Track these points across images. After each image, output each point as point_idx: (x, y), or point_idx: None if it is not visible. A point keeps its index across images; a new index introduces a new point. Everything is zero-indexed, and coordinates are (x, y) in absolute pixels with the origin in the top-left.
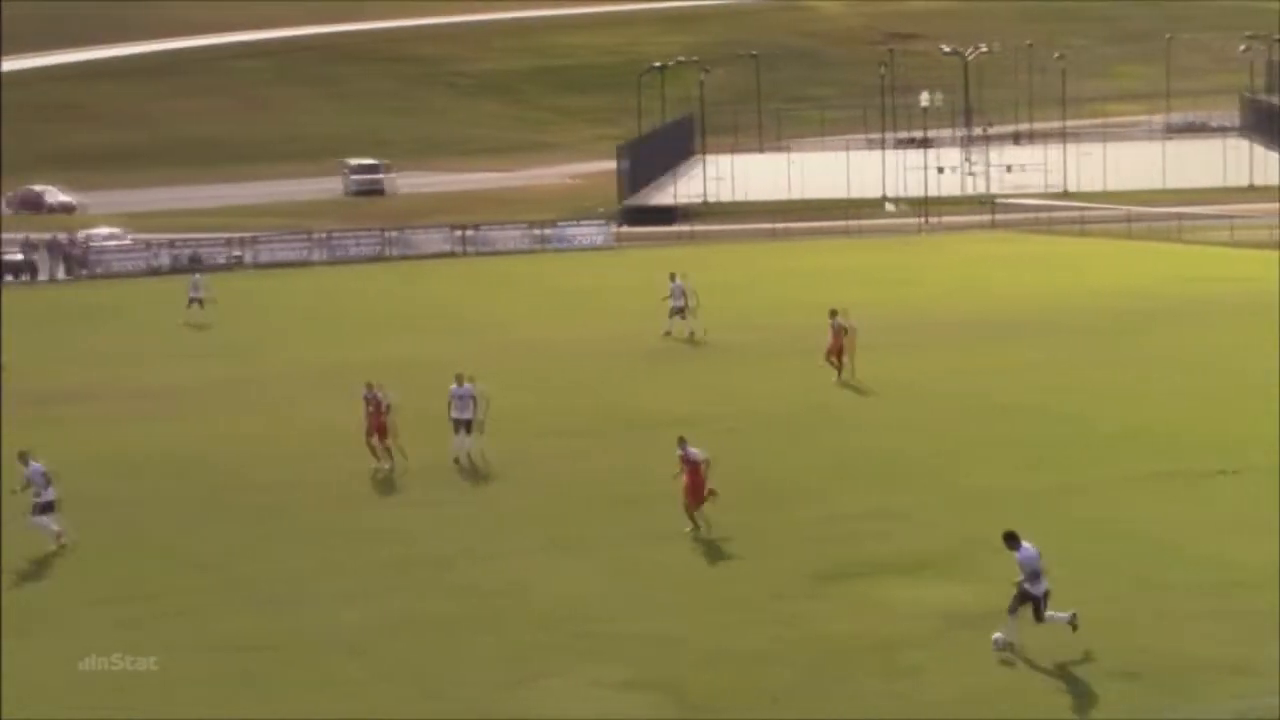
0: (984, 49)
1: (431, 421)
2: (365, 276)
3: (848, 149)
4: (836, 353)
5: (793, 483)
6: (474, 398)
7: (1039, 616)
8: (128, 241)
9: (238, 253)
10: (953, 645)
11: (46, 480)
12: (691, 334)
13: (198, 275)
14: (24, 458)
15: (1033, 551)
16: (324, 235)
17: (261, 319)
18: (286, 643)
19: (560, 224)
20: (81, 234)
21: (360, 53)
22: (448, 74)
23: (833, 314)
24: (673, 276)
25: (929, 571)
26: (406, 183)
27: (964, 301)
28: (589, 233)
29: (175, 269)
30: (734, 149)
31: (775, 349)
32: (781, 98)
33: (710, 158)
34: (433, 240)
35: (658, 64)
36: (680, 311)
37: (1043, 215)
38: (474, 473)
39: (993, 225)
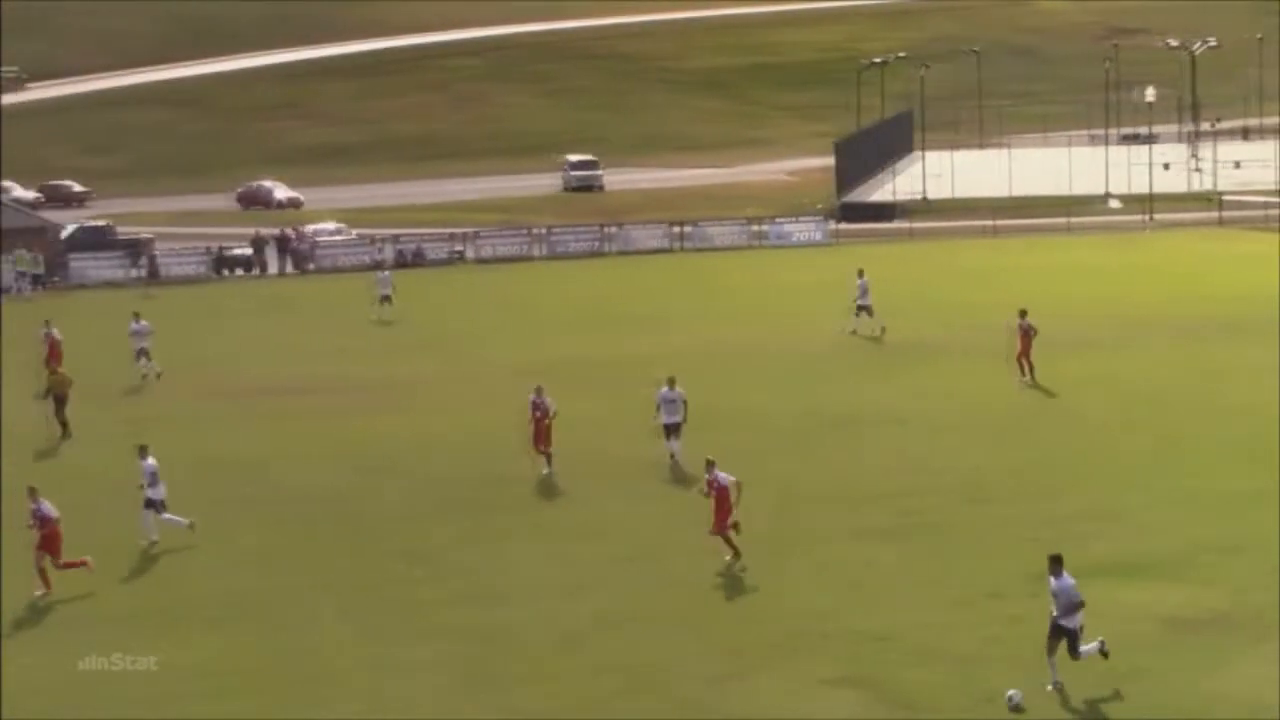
0: (1211, 43)
1: (641, 416)
2: (583, 272)
3: (1069, 145)
4: (1025, 354)
5: (1010, 480)
6: (683, 401)
7: (1074, 653)
8: (352, 237)
9: (459, 248)
10: (1177, 650)
11: (155, 478)
12: (883, 330)
13: (385, 273)
14: (142, 452)
15: (1070, 582)
16: (543, 231)
17: (481, 313)
18: (503, 635)
19: (777, 220)
20: (307, 229)
21: (572, 50)
22: (662, 70)
23: (1022, 314)
24: (860, 273)
25: (1151, 573)
26: (622, 179)
27: (1189, 300)
28: (806, 229)
29: (399, 264)
30: (953, 145)
31: (991, 347)
32: (1001, 94)
33: (929, 154)
34: (650, 236)
35: (877, 59)
36: (866, 309)
37: (1273, 212)
38: (685, 471)
39: (1220, 223)
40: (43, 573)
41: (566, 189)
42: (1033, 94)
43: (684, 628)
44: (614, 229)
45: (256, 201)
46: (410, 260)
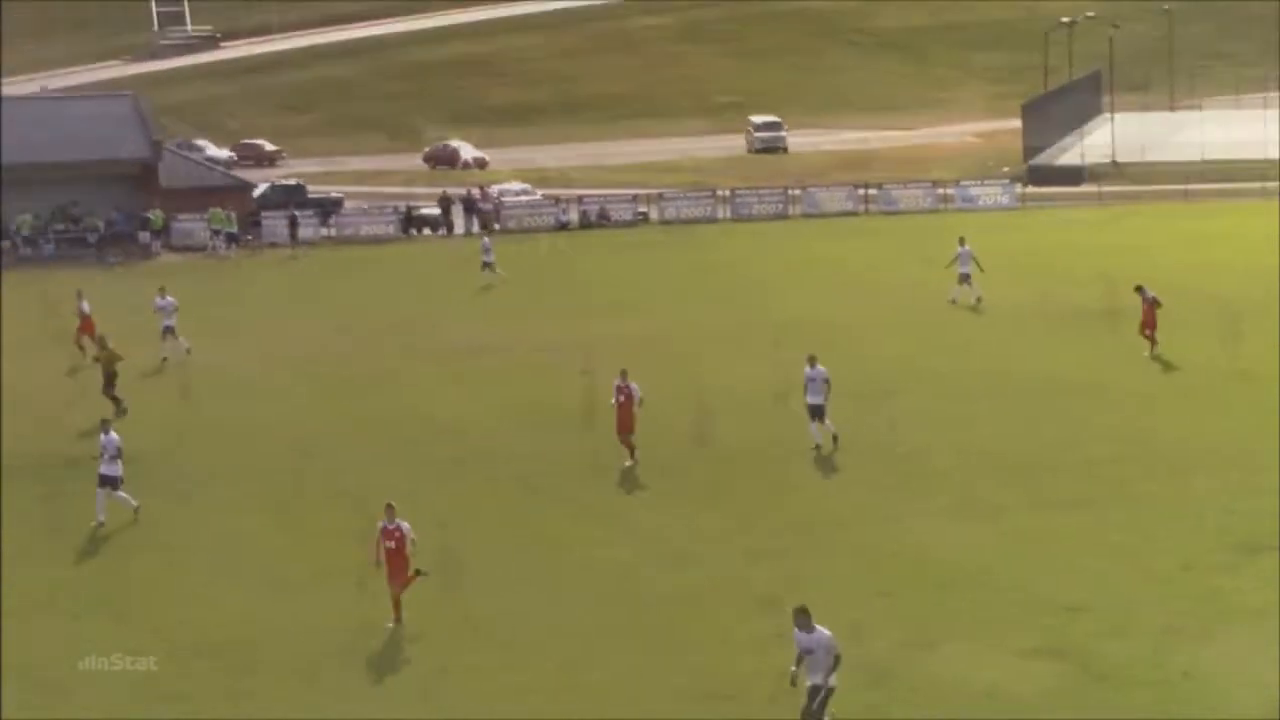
0: None
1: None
2: (767, 234)
3: (1264, 107)
4: (1150, 326)
5: (1207, 451)
6: (825, 380)
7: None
8: (537, 197)
9: (643, 209)
10: None
11: (116, 454)
12: (978, 300)
13: (486, 239)
14: (105, 426)
15: (826, 634)
16: (728, 193)
17: (666, 275)
18: (695, 597)
19: (964, 184)
20: (494, 189)
21: (761, 10)
22: (850, 31)
23: (1138, 289)
24: (961, 241)
25: None
26: (807, 140)
27: None
28: (993, 193)
29: (584, 225)
30: (1144, 107)
31: (1183, 316)
32: (1194, 54)
33: (1119, 116)
34: (835, 198)
35: (1065, 19)
36: (966, 278)
37: None
38: (866, 440)
39: None
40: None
41: (751, 151)
42: (1227, 55)
43: (873, 594)
44: (798, 191)
45: (443, 161)
46: (595, 221)
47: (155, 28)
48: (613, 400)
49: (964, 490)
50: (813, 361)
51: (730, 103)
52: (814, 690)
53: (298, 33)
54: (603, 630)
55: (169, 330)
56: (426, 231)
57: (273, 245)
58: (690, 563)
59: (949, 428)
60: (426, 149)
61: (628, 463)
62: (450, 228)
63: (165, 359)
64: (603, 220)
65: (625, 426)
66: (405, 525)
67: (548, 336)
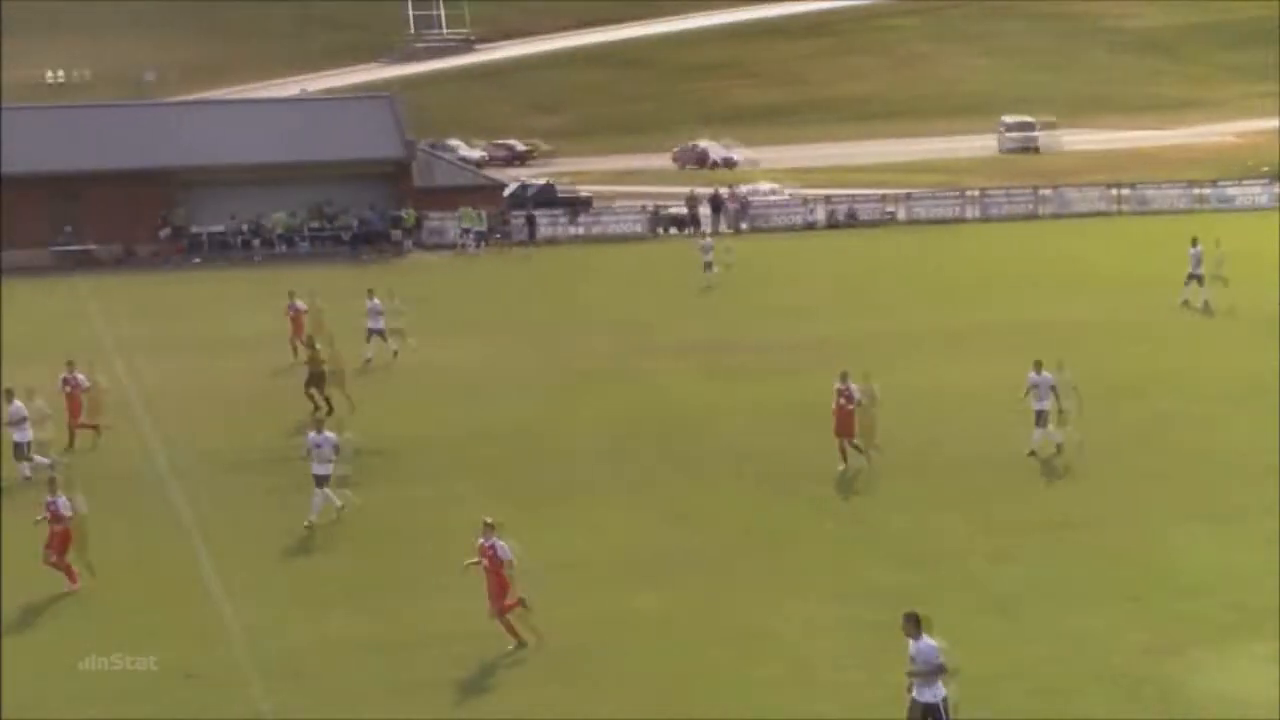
0: None
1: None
2: (1015, 234)
3: None
4: None
5: None
6: (1053, 387)
7: None
8: (785, 197)
9: (891, 209)
10: None
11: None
12: (1205, 303)
13: (708, 240)
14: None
15: (931, 644)
16: (976, 193)
17: (910, 274)
18: (927, 597)
19: (1220, 184)
20: (742, 189)
21: (1014, 10)
22: (1105, 30)
23: None
24: (1194, 242)
25: None
26: (1060, 140)
27: None
28: (1252, 193)
29: (831, 225)
30: None
31: None
32: None
33: None
34: (1087, 199)
35: None
36: (1198, 279)
37: None
38: (1106, 442)
39: None
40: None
41: (1002, 151)
42: None
43: (1116, 598)
44: (1049, 191)
45: (692, 161)
46: (842, 221)
47: (410, 30)
48: (833, 403)
49: (1208, 493)
50: (1039, 367)
51: (980, 104)
52: (912, 704)
53: (550, 35)
54: (835, 626)
55: (377, 333)
56: (674, 230)
57: (521, 244)
58: (928, 562)
59: (1191, 429)
60: (676, 149)
61: (840, 466)
62: (697, 226)
63: (369, 360)
64: (850, 220)
65: (844, 429)
66: (501, 545)
67: (797, 335)
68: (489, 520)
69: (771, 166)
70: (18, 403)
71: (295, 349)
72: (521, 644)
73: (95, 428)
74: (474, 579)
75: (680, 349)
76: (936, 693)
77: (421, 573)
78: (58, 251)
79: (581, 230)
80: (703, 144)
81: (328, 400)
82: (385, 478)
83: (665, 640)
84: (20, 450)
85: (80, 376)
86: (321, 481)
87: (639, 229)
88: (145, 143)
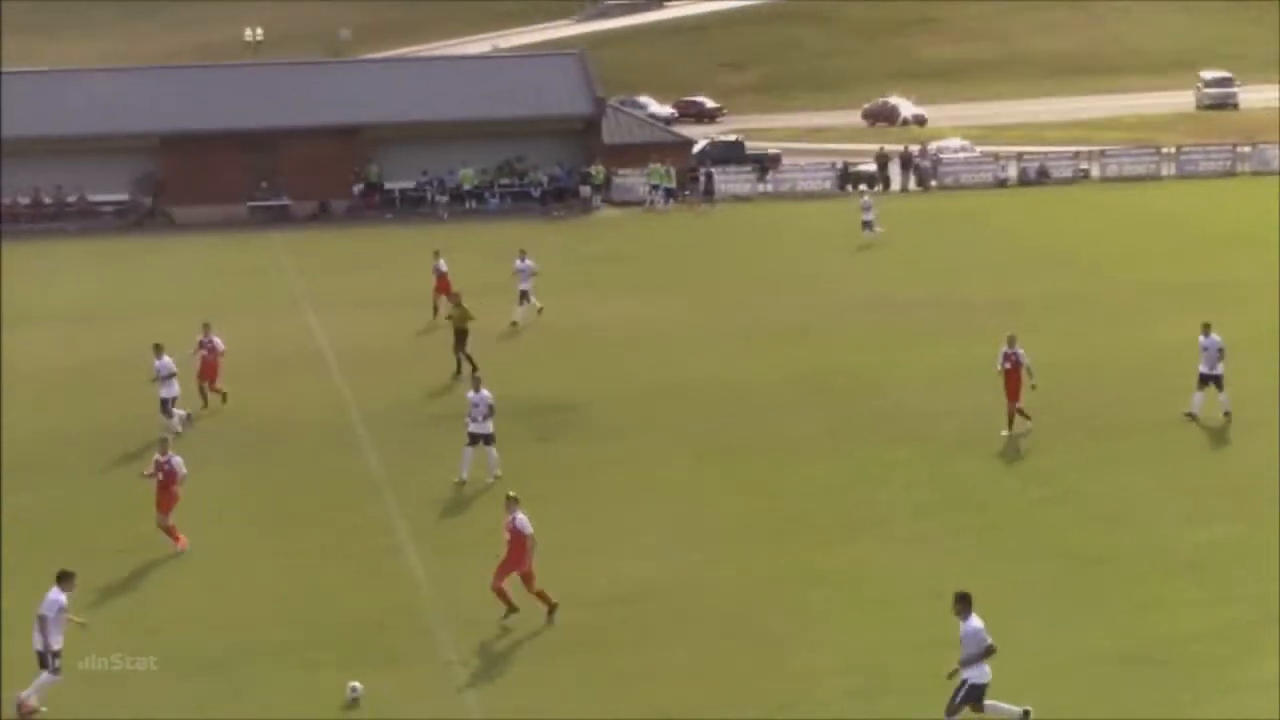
0: None
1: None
2: (1212, 192)
3: None
4: None
5: None
6: (1220, 350)
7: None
8: (976, 154)
9: (1084, 166)
10: None
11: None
12: None
13: (867, 199)
14: (475, 384)
15: (978, 625)
16: (1172, 149)
17: (1108, 232)
18: (1124, 558)
19: None
20: (932, 146)
21: None
22: None
23: None
24: None
25: None
26: (1261, 97)
27: None
28: None
29: (1023, 182)
30: None
31: None
32: None
33: None
34: None
35: None
36: None
37: None
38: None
39: None
40: None
41: (1200, 107)
42: None
43: None
44: (1248, 148)
45: (882, 118)
46: (1034, 178)
47: None
48: (998, 366)
49: None
50: (1207, 330)
51: (1178, 59)
52: (963, 685)
53: None
54: (1026, 586)
55: (525, 295)
56: (863, 188)
57: (709, 200)
58: (1120, 524)
59: None
60: (866, 106)
61: (1004, 432)
62: (887, 184)
63: (515, 323)
64: (1042, 177)
65: (1012, 394)
66: (521, 519)
67: (977, 293)
68: (512, 494)
69: (962, 123)
70: (166, 358)
71: (436, 309)
72: (513, 609)
73: (223, 394)
74: (657, 538)
75: (866, 305)
76: (984, 673)
77: (606, 530)
78: (255, 207)
79: (770, 187)
80: (893, 100)
81: (469, 358)
82: (573, 433)
83: (856, 597)
84: (166, 406)
85: (216, 339)
86: (475, 439)
87: (827, 186)
88: (340, 100)
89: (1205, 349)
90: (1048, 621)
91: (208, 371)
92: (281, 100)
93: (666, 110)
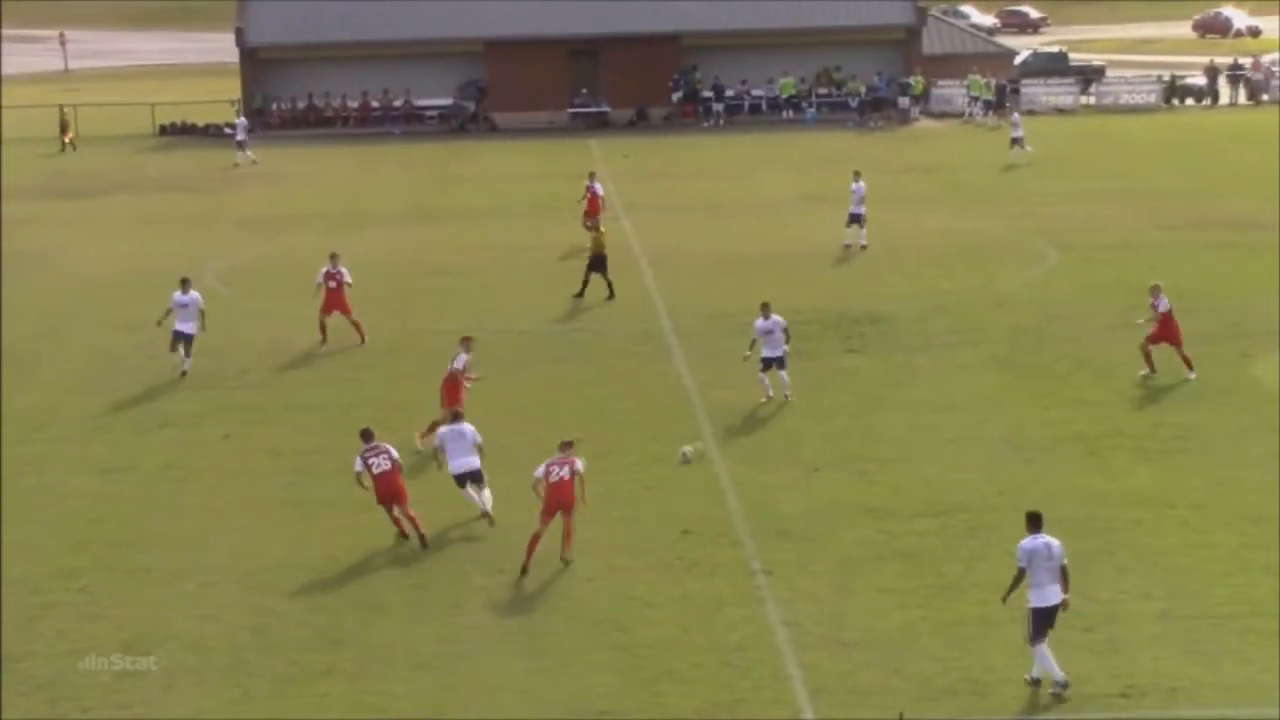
0: None
1: None
2: None
3: None
4: None
5: None
6: None
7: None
8: None
9: None
10: None
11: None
12: None
13: (1015, 115)
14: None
15: (1049, 543)
16: None
17: None
18: None
19: None
20: (1265, 59)
21: None
22: None
23: None
24: None
25: None
26: None
27: None
28: None
29: None
30: None
31: None
32: None
33: None
34: None
35: None
36: None
37: None
38: None
39: None
40: None
41: None
42: None
43: None
44: None
45: (1213, 29)
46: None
47: None
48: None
49: None
50: None
51: None
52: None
53: None
54: (1187, 525)
55: (857, 218)
56: (1190, 102)
57: (1031, 113)
58: None
59: None
60: (1196, 17)
61: (1141, 371)
62: (1215, 98)
63: (848, 246)
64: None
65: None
66: (578, 463)
67: None
68: (565, 440)
69: None
70: (194, 291)
71: (588, 230)
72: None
73: (359, 328)
74: (965, 449)
75: (1192, 223)
76: (1055, 596)
77: (916, 440)
78: (575, 113)
79: (1093, 100)
80: (1226, 11)
81: (610, 285)
82: (885, 345)
83: (1166, 518)
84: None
85: (343, 270)
86: (768, 364)
87: (1152, 100)
88: (660, 7)
89: None
90: (1204, 561)
91: (332, 303)
92: (603, 7)
93: (989, 20)
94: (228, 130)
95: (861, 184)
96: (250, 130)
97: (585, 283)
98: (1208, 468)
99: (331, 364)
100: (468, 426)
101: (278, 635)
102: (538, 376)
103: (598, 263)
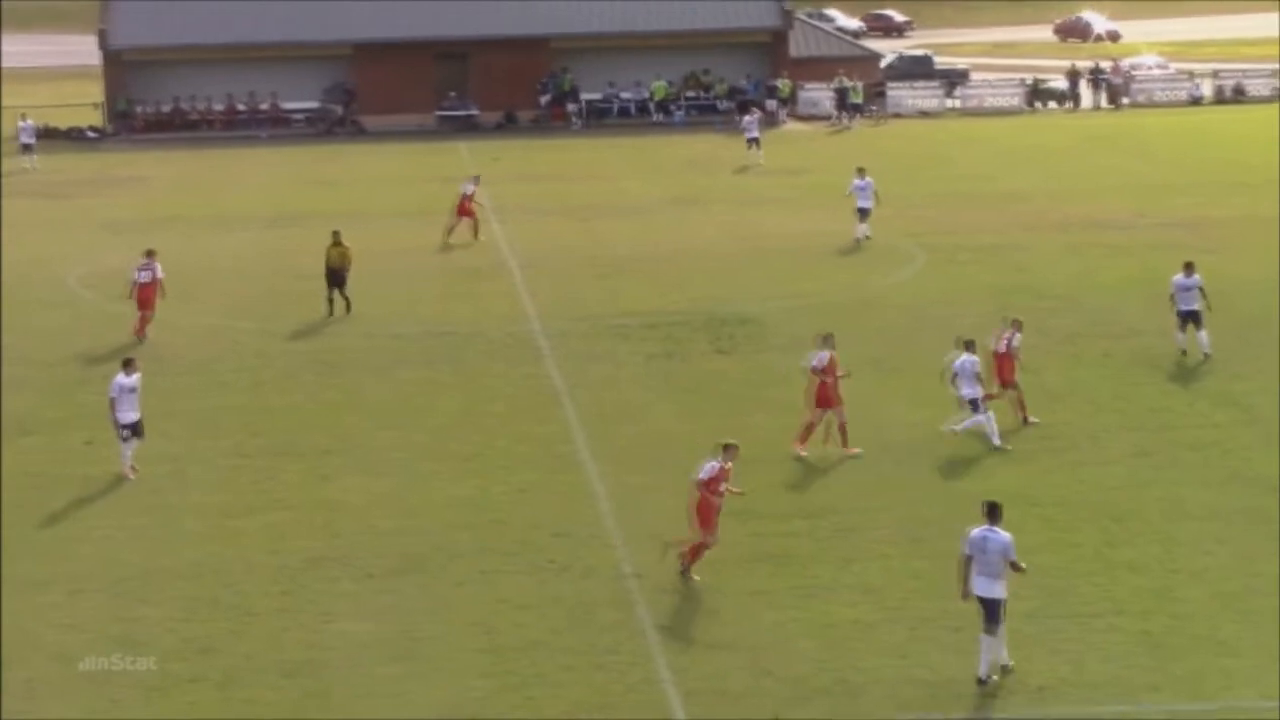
0: None
1: None
2: None
3: None
4: None
5: None
6: None
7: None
8: (1170, 71)
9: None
10: None
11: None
12: None
13: (748, 117)
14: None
15: (1004, 538)
16: None
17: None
18: None
19: None
20: (1124, 63)
21: None
22: None
23: None
24: None
25: None
26: None
27: None
28: None
29: (1218, 100)
30: None
31: None
32: None
33: None
34: None
35: None
36: None
37: None
38: None
39: None
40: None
41: None
42: None
43: None
44: None
45: (1074, 33)
46: (1230, 96)
47: None
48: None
49: None
50: None
51: None
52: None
53: None
54: (1212, 512)
55: (865, 212)
56: (1052, 105)
57: (897, 116)
58: None
59: None
60: (1057, 21)
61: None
62: (1077, 101)
63: (858, 240)
64: (1238, 95)
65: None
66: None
67: (1178, 214)
68: (723, 443)
69: (1157, 39)
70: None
71: (448, 231)
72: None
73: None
74: (832, 452)
75: (1056, 224)
76: (999, 590)
77: (785, 442)
78: (443, 116)
79: (957, 103)
80: (1086, 15)
81: (345, 299)
82: (754, 346)
83: (1026, 517)
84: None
85: (156, 265)
86: None
87: (1015, 103)
88: (528, 9)
89: None
90: (1232, 548)
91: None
92: (472, 10)
93: (855, 24)
94: (90, 134)
95: (869, 179)
96: (112, 134)
97: (332, 300)
98: (1071, 466)
99: (197, 370)
100: None
101: (145, 643)
102: (409, 380)
103: (335, 276)
